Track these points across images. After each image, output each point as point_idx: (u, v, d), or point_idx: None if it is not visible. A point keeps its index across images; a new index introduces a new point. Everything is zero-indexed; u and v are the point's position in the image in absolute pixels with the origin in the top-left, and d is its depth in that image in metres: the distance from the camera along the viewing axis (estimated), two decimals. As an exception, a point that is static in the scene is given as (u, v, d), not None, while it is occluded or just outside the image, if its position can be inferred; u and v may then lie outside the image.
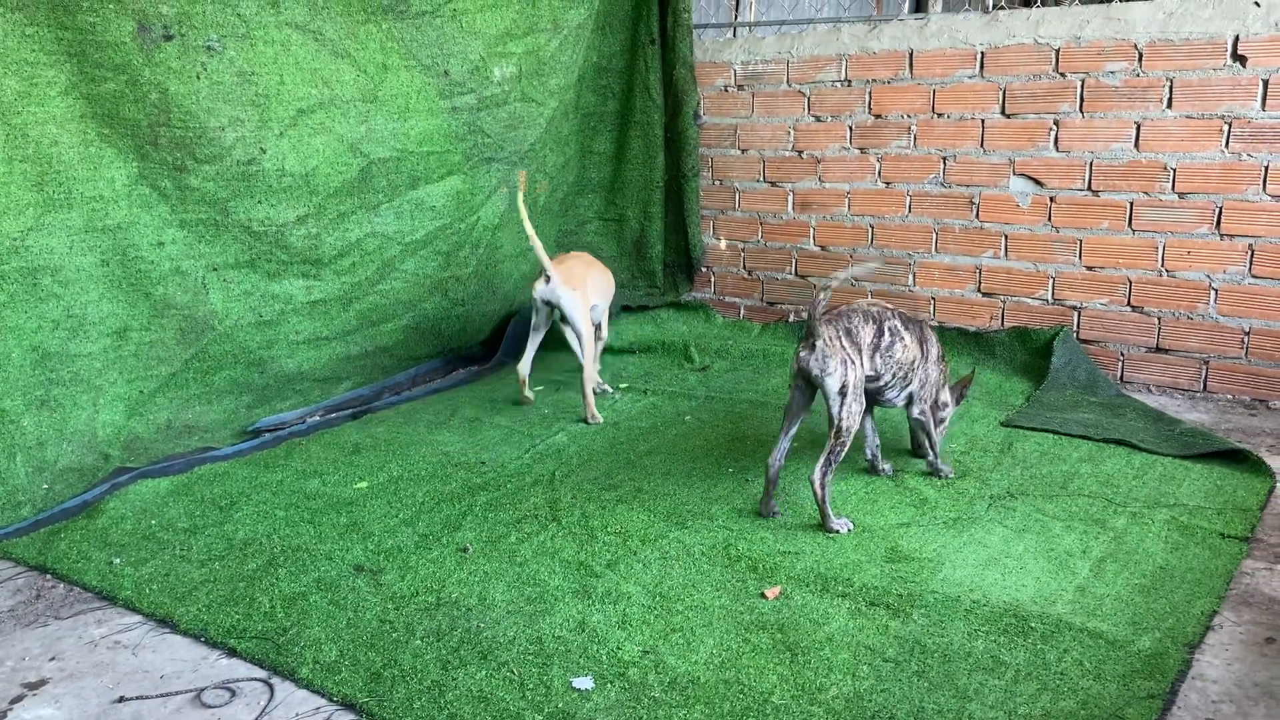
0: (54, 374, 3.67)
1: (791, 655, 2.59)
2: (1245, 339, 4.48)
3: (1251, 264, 4.40)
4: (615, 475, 3.81)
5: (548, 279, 4.46)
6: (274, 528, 3.38)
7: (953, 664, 2.52)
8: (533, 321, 4.69)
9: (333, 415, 4.61)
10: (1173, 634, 2.64)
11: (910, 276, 5.37)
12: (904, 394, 3.57)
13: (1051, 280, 4.94)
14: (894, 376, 3.46)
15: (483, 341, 5.55)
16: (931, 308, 5.34)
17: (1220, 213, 4.43)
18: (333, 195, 4.56)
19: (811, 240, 5.70)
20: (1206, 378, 4.62)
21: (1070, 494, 3.55)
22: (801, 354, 3.26)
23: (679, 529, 3.34)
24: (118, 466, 3.86)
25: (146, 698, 2.47)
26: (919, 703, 2.37)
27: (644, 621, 2.78)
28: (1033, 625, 2.68)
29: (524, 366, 4.72)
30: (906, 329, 3.48)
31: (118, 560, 3.18)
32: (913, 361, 3.50)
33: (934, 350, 3.63)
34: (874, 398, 3.54)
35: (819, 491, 3.25)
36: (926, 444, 3.72)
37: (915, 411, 3.63)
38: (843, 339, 3.28)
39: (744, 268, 6.01)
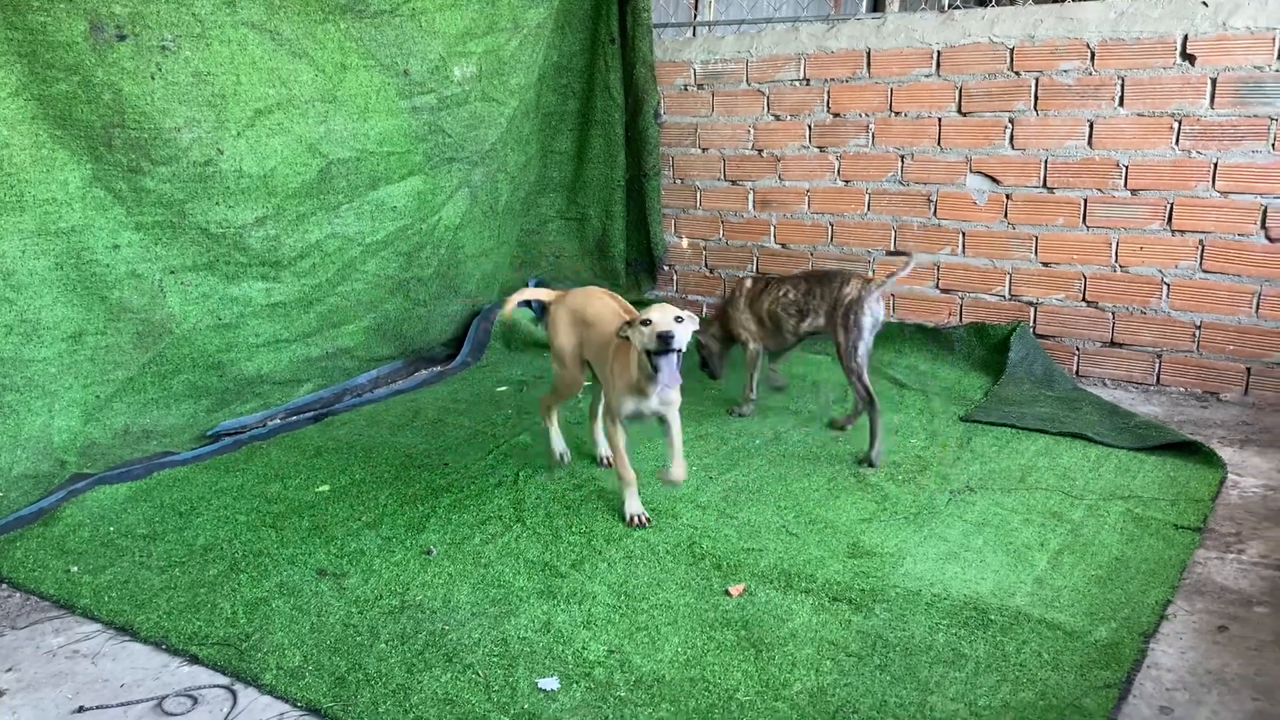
0: (7, 380, 3.62)
1: (756, 652, 2.61)
2: (1197, 333, 4.56)
3: (1202, 259, 4.48)
4: (579, 475, 3.82)
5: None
6: (235, 532, 3.36)
7: (914, 657, 2.56)
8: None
9: (294, 418, 4.57)
10: (1128, 624, 2.69)
11: (870, 274, 5.41)
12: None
13: (1008, 276, 5.00)
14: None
15: (446, 342, 5.53)
16: (891, 304, 5.39)
17: (1171, 209, 4.51)
18: (292, 196, 4.53)
19: (772, 238, 5.73)
20: (1160, 371, 4.70)
21: (1028, 487, 3.60)
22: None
23: (643, 528, 3.35)
24: (75, 473, 3.81)
25: (106, 707, 2.45)
26: (881, 696, 2.40)
27: (609, 621, 2.79)
28: (992, 618, 2.72)
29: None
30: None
31: (75, 568, 3.13)
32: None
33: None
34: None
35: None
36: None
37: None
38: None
39: (706, 266, 6.03)
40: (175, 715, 2.41)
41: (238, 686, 2.52)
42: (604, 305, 3.63)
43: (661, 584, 2.99)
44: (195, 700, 2.47)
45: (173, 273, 4.17)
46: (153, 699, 2.47)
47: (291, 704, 2.44)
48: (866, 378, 3.95)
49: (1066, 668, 2.51)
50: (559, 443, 3.94)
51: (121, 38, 3.73)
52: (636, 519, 3.40)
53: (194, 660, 2.64)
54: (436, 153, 5.12)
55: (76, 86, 3.65)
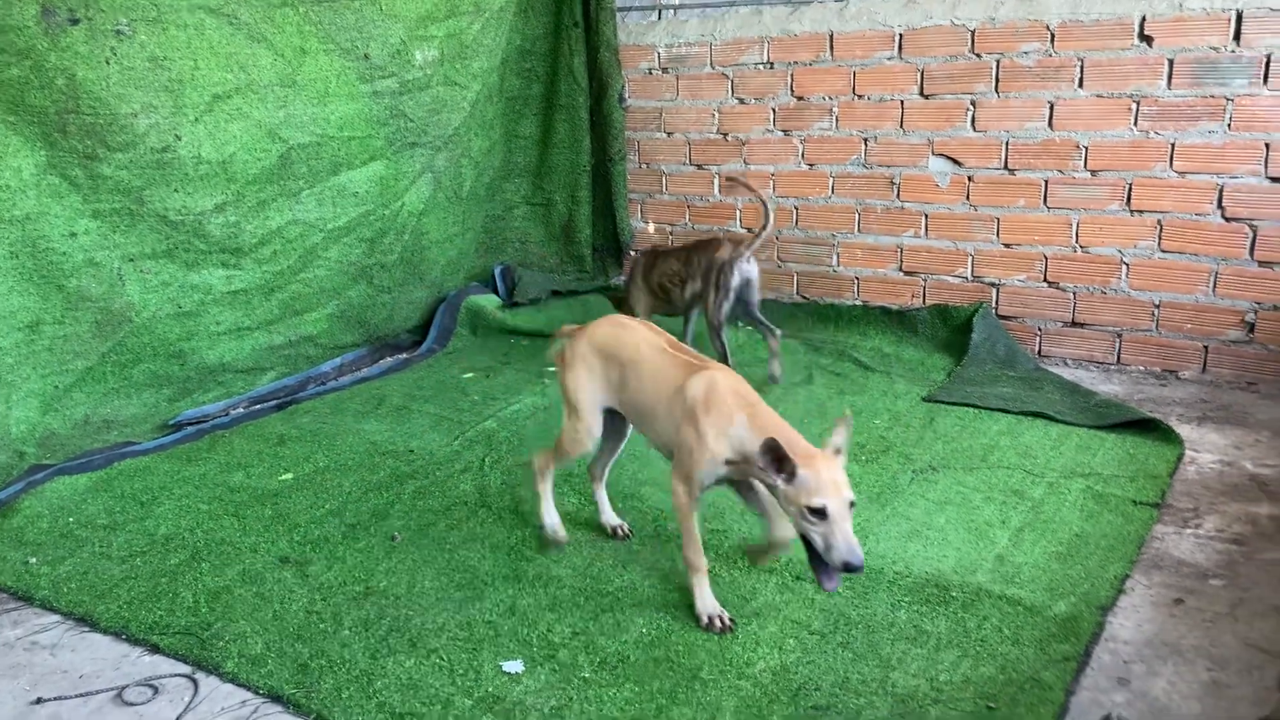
0: (-38, 370, 3.57)
1: (720, 631, 2.62)
2: (1156, 312, 4.62)
3: (1160, 239, 4.53)
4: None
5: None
6: (197, 521, 3.33)
7: (876, 634, 2.58)
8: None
9: (257, 407, 4.54)
10: (1087, 598, 2.73)
11: (834, 257, 5.44)
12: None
13: (971, 258, 5.04)
14: None
15: (410, 329, 5.50)
16: (855, 288, 5.41)
17: (1130, 189, 4.55)
18: (251, 182, 4.48)
19: (738, 222, 5.74)
20: (1120, 350, 4.75)
21: (990, 466, 3.63)
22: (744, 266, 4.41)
23: (726, 633, 3.33)
24: (33, 464, 3.76)
25: (65, 698, 2.42)
26: (844, 673, 2.42)
27: (574, 603, 2.79)
28: (953, 594, 2.75)
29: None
30: None
31: (34, 559, 3.10)
32: None
33: None
34: None
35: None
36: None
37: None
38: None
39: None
40: (135, 705, 2.39)
41: (199, 675, 2.51)
42: (645, 341, 2.86)
43: (627, 566, 2.99)
44: (156, 690, 2.45)
45: (132, 260, 4.12)
46: (113, 689, 2.45)
47: (253, 691, 2.43)
48: (725, 335, 4.49)
49: (1026, 642, 2.54)
50: (552, 516, 3.14)
51: (74, 22, 3.67)
52: (715, 622, 2.63)
53: (155, 650, 2.62)
54: (398, 138, 5.08)
55: (29, 72, 3.59)
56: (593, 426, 2.98)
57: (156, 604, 2.81)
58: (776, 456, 2.30)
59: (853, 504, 2.31)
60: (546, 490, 3.14)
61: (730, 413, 2.52)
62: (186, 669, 2.54)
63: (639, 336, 2.88)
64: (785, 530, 2.63)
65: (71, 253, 3.88)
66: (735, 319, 4.70)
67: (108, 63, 3.81)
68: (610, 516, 3.22)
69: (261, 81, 4.44)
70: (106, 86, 3.81)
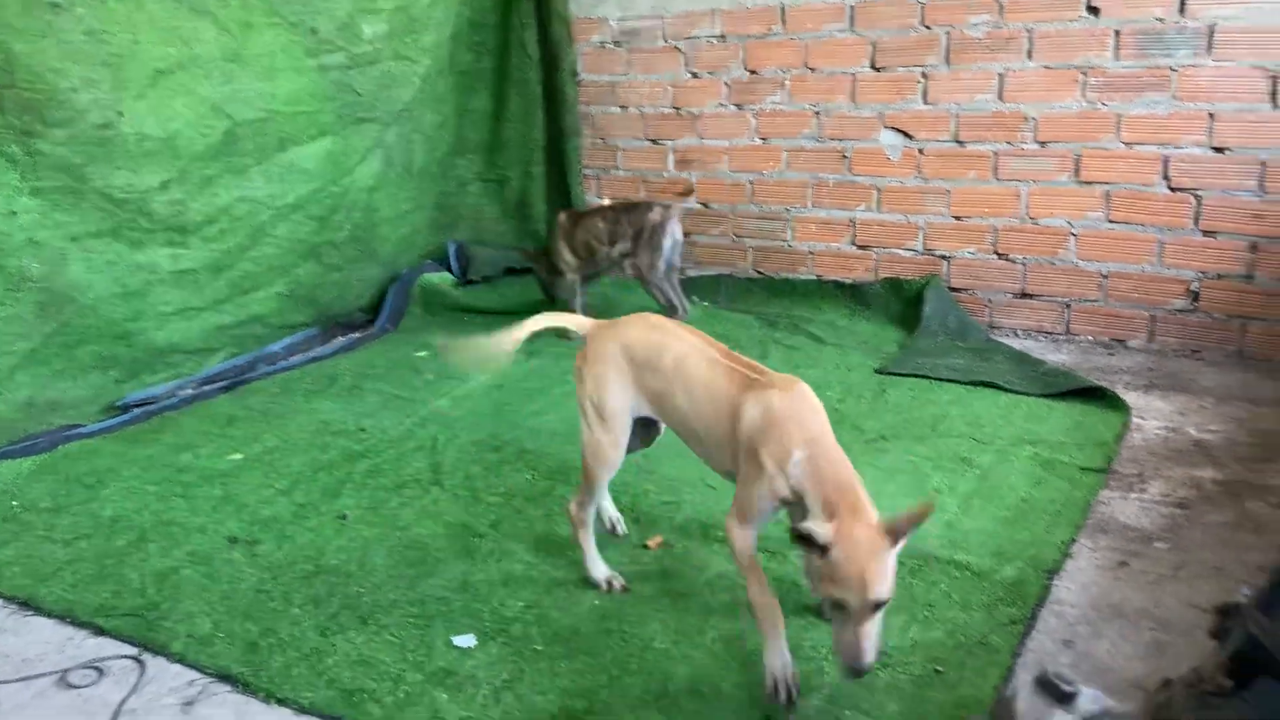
0: (-102, 353, 3.48)
1: (672, 601, 2.63)
2: (1103, 282, 4.67)
3: (1109, 209, 4.58)
4: (500, 437, 3.79)
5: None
6: (144, 503, 3.28)
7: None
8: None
9: (206, 388, 4.47)
10: (1034, 563, 2.77)
11: (789, 231, 5.45)
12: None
13: (922, 231, 5.07)
14: None
15: (363, 308, 5.44)
16: (810, 262, 5.43)
17: (1079, 161, 4.59)
18: (197, 159, 4.41)
19: (693, 197, 5.73)
20: (1069, 320, 4.81)
21: (940, 435, 3.67)
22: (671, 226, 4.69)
23: (564, 486, 3.35)
24: (-26, 448, 3.69)
25: (6, 682, 2.38)
26: (795, 640, 2.43)
27: (528, 578, 2.79)
28: (902, 561, 2.75)
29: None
30: None
31: (-25, 544, 3.04)
32: None
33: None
34: None
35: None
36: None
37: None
38: None
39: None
40: (80, 688, 2.36)
41: (146, 656, 2.48)
42: (692, 350, 2.46)
43: (581, 540, 2.99)
44: (101, 672, 2.42)
45: (74, 240, 4.05)
46: (56, 672, 2.41)
47: (201, 671, 2.40)
48: (667, 289, 4.76)
49: (974, 606, 2.57)
50: (601, 570, 2.71)
51: (7, -7, 3.58)
52: (785, 691, 2.17)
53: (100, 632, 2.58)
54: (347, 113, 5.01)
55: (-41, 45, 3.50)
56: (620, 438, 2.59)
57: (102, 586, 2.77)
58: (805, 540, 1.97)
59: (881, 605, 1.95)
60: (589, 543, 2.73)
61: (789, 446, 2.15)
62: (133, 650, 2.50)
63: (685, 344, 2.48)
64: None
65: (11, 232, 3.79)
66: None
67: (44, 36, 3.73)
68: (600, 573, 2.73)
69: (205, 56, 4.37)
70: (43, 60, 3.73)
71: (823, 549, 1.94)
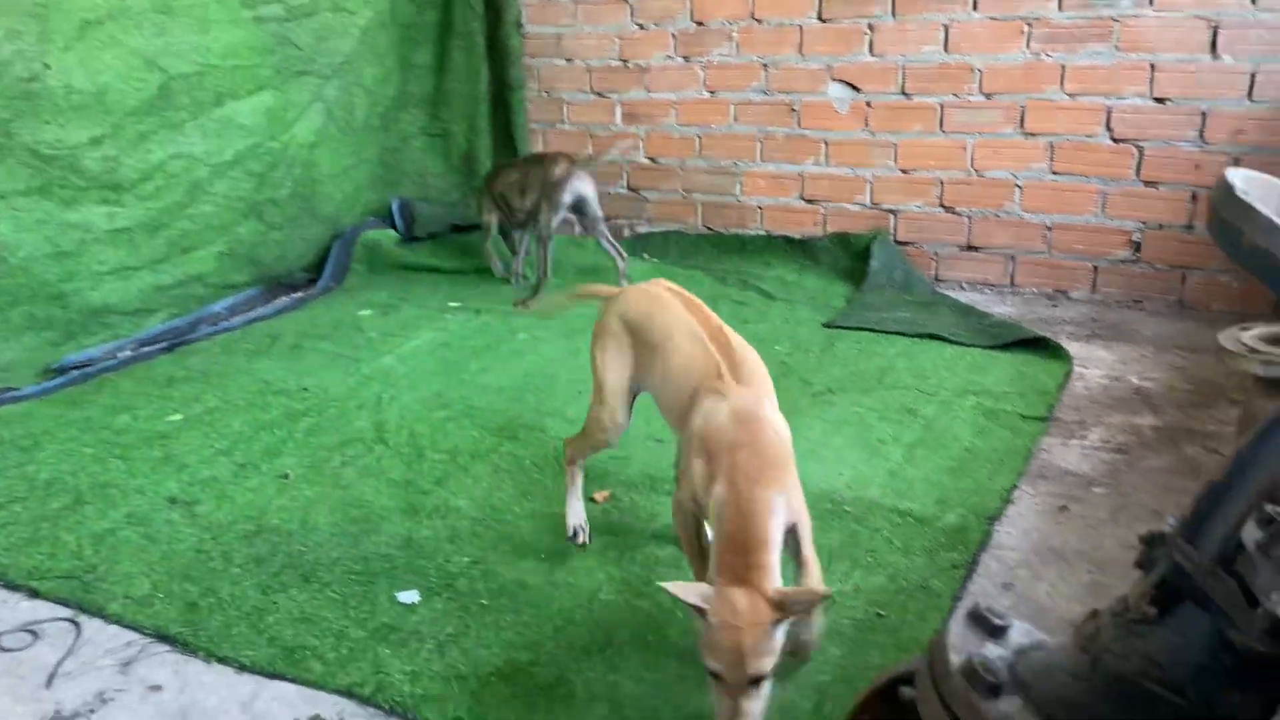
0: None
1: (619, 554, 2.63)
2: (1047, 234, 4.71)
3: (1052, 161, 4.61)
4: (446, 395, 3.75)
5: None
6: (80, 465, 3.21)
7: (771, 551, 2.61)
8: None
9: (146, 349, 4.38)
10: (976, 509, 2.80)
11: (738, 186, 5.43)
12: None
13: (869, 184, 5.07)
14: None
15: (305, 267, 5.34)
16: (759, 217, 5.41)
17: (1024, 112, 4.61)
18: (130, 114, 4.29)
19: (641, 152, 5.68)
20: (1014, 273, 4.85)
21: (885, 387, 3.69)
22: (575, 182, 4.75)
23: (511, 442, 3.33)
24: (-98, 412, 3.59)
25: (-63, 647, 2.33)
26: (739, 589, 2.44)
27: (474, 534, 2.77)
28: (847, 509, 2.79)
29: None
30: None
31: (-97, 509, 2.96)
32: None
33: None
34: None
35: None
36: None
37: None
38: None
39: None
40: (13, 651, 2.31)
41: (82, 618, 2.43)
42: (679, 322, 2.35)
43: (528, 495, 2.98)
44: (36, 635, 2.37)
45: (2, 198, 3.92)
46: (-11, 636, 2.36)
47: (139, 632, 2.36)
48: (551, 247, 4.86)
49: (916, 552, 2.60)
50: (576, 515, 2.70)
51: (-81, -61, 3.43)
52: None
53: (34, 595, 2.53)
54: (286, 66, 4.89)
55: None
56: (617, 413, 2.50)
57: (37, 549, 2.71)
58: (684, 602, 1.81)
59: (759, 680, 1.78)
60: (574, 483, 2.71)
61: (716, 473, 1.98)
62: (68, 613, 2.45)
63: (673, 315, 2.36)
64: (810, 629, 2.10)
65: (-68, 189, 3.67)
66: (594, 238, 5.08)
67: (-39, -16, 3.59)
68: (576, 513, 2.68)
69: (135, 7, 4.24)
70: (-39, 10, 3.59)
71: (702, 613, 1.80)
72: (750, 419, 2.03)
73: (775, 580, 1.85)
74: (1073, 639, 1.18)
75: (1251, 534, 1.06)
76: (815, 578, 2.05)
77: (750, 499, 1.91)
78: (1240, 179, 1.00)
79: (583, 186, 4.85)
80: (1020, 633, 1.26)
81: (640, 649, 2.26)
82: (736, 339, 2.29)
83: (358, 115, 5.43)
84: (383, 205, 5.76)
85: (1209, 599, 1.05)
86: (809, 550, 2.05)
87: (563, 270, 5.29)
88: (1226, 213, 0.96)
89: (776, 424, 2.08)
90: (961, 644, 1.22)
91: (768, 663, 1.79)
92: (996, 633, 1.25)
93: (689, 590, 1.82)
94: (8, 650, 2.31)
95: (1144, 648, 1.10)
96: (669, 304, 2.40)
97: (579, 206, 4.89)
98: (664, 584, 1.83)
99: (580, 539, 2.68)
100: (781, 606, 1.79)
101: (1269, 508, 1.08)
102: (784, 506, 1.94)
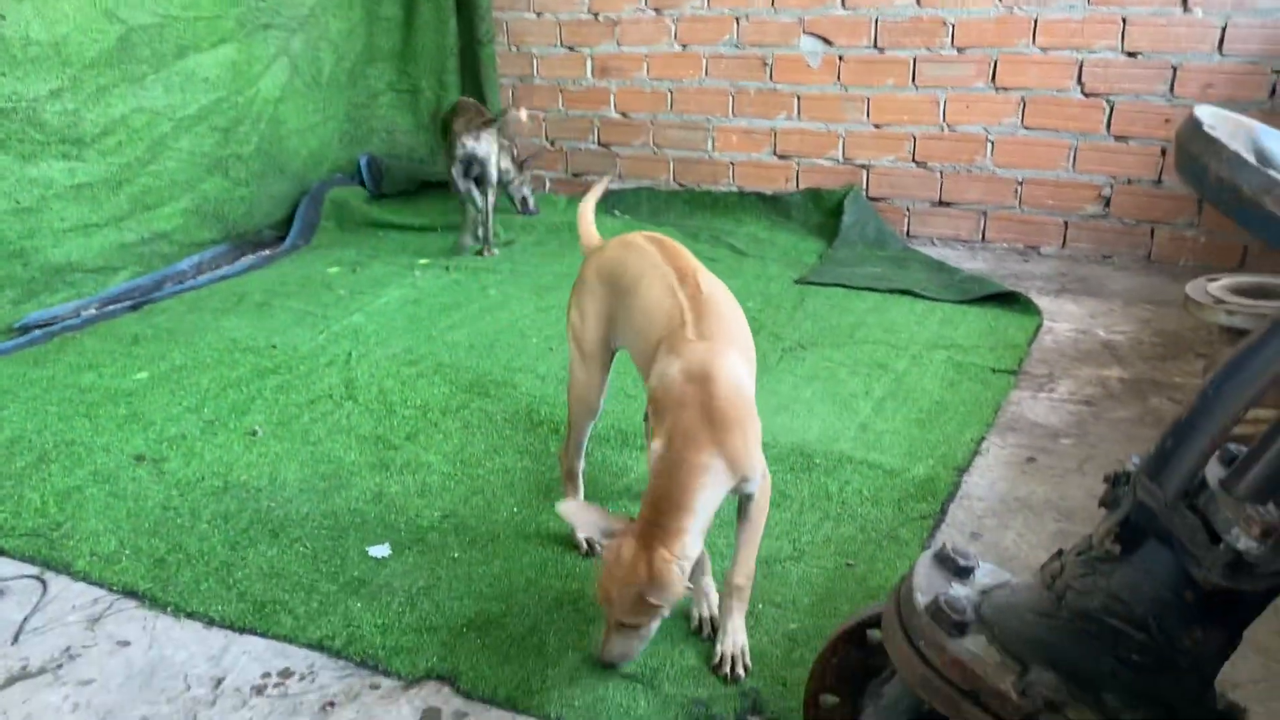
0: None
1: (589, 507, 2.63)
2: (1019, 189, 4.72)
3: (1024, 115, 4.60)
4: (416, 351, 3.73)
5: None
6: (45, 423, 3.17)
7: (742, 502, 2.62)
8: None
9: (110, 307, 4.31)
10: (944, 460, 2.82)
11: (709, 142, 5.39)
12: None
13: (842, 140, 5.05)
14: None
15: (273, 224, 5.27)
16: (731, 173, 5.39)
17: (995, 66, 4.59)
18: (89, 66, 4.19)
19: (612, 107, 5.62)
20: (985, 228, 4.86)
21: (856, 342, 3.70)
22: (468, 141, 4.73)
23: (482, 398, 3.31)
24: None
25: (-101, 605, 2.30)
26: (709, 539, 2.44)
27: (444, 488, 2.76)
28: (817, 461, 2.80)
29: None
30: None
31: None
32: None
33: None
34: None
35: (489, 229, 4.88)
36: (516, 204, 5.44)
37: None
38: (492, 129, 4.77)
39: (546, 138, 5.89)
40: (-22, 608, 2.29)
41: (48, 575, 2.41)
42: (651, 269, 2.19)
43: (499, 450, 2.97)
44: (1, 592, 2.35)
45: (-42, 154, 3.85)
46: (-48, 594, 2.34)
47: (107, 588, 2.35)
48: (459, 188, 4.85)
49: (885, 503, 2.61)
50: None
51: None
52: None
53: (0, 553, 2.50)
54: (250, 18, 4.80)
55: None
56: (596, 376, 2.35)
57: (1, 507, 2.68)
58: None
59: (623, 625, 1.90)
60: (575, 483, 2.54)
61: (657, 429, 1.95)
62: (34, 570, 2.43)
63: (646, 262, 2.22)
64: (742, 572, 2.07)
65: (-115, 143, 3.58)
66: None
67: (-91, -70, 3.48)
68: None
69: (92, -45, 4.13)
70: (-90, -43, 3.49)
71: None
72: (701, 377, 1.93)
73: (689, 546, 1.84)
74: (1037, 578, 1.19)
75: (1214, 471, 1.07)
76: (747, 545, 2.02)
77: (679, 462, 1.86)
78: (1208, 115, 0.99)
79: (475, 145, 4.76)
80: (986, 573, 1.27)
81: (611, 600, 2.27)
82: (712, 286, 2.17)
83: (324, 70, 5.34)
84: (351, 162, 5.69)
85: (1172, 536, 1.06)
86: (757, 515, 2.03)
87: (531, 228, 5.27)
88: (1194, 147, 0.96)
89: (733, 381, 1.95)
90: (928, 584, 1.22)
91: (628, 617, 1.87)
92: (962, 573, 1.26)
93: (587, 522, 1.92)
94: (-28, 607, 2.29)
95: (1107, 585, 1.11)
96: (645, 251, 2.26)
97: (469, 166, 4.81)
98: (560, 505, 1.90)
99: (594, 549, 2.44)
100: (659, 581, 1.80)
101: (1231, 446, 1.09)
102: (722, 470, 1.88)
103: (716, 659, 2.02)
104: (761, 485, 2.01)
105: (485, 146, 4.79)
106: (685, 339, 2.00)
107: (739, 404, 1.94)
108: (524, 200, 5.49)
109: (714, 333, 2.03)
